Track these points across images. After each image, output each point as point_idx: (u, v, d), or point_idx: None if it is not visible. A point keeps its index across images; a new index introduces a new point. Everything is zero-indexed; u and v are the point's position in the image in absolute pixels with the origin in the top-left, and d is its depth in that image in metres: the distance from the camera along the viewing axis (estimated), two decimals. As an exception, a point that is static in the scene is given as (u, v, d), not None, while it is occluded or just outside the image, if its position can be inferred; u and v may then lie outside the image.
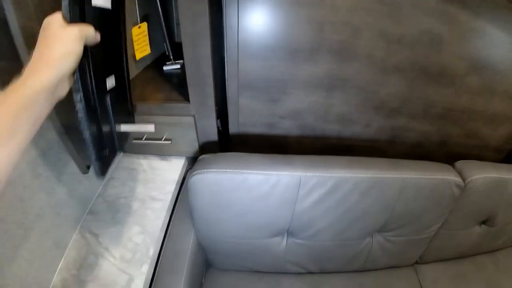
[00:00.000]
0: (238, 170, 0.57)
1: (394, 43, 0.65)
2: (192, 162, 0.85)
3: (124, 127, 0.58)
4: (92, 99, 0.44)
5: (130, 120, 0.65)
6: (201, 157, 0.65)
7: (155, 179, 0.77)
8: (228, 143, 0.81)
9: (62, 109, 0.41)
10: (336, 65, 0.67)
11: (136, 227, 0.67)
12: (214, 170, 0.58)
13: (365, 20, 0.62)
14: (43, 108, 0.31)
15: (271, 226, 0.65)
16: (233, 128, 0.78)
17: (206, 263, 0.78)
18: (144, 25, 0.79)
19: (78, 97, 0.39)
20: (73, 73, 0.37)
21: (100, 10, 0.44)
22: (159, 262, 0.64)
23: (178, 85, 0.80)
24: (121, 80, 0.56)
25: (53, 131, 0.55)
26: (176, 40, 0.91)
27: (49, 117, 0.41)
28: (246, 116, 0.76)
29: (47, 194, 0.57)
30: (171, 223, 0.71)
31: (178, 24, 0.89)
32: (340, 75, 0.69)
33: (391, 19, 0.62)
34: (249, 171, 0.57)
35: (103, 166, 0.51)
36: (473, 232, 0.80)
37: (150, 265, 0.61)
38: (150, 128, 0.60)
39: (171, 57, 0.89)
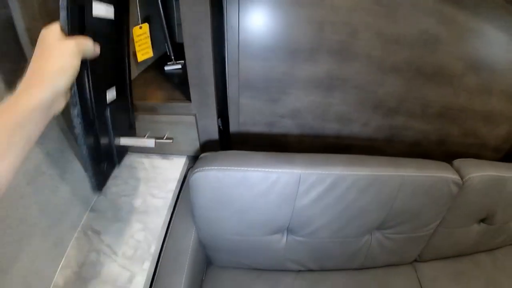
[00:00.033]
0: (239, 168, 0.58)
1: (392, 43, 0.66)
2: (193, 161, 0.86)
3: (124, 141, 0.55)
4: (90, 113, 0.42)
5: (131, 132, 0.61)
6: (202, 155, 0.66)
7: (157, 177, 0.78)
8: (229, 142, 0.82)
9: (66, 108, 0.42)
10: (335, 65, 0.68)
11: (137, 224, 0.68)
12: (215, 167, 0.58)
13: (363, 21, 0.63)
14: (38, 125, 0.30)
15: (271, 223, 0.65)
16: (233, 127, 0.79)
17: (207, 261, 0.79)
18: (146, 26, 0.80)
19: (75, 111, 0.38)
20: (70, 88, 0.36)
21: (102, 21, 0.42)
22: (160, 259, 0.64)
23: (179, 85, 0.81)
24: (123, 92, 0.54)
25: (56, 128, 0.56)
26: (177, 40, 0.92)
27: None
28: (247, 115, 0.77)
29: (49, 191, 0.58)
30: (172, 221, 0.72)
31: (179, 24, 0.90)
32: (339, 75, 0.70)
33: (389, 20, 0.63)
34: (249, 169, 0.58)
35: (101, 180, 0.49)
36: (472, 230, 0.80)
37: (152, 262, 0.62)
38: (150, 143, 0.58)
39: (172, 57, 0.90)
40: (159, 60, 0.98)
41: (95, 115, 0.43)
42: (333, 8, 0.61)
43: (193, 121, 0.75)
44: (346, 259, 0.75)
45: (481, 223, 0.81)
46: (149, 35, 0.82)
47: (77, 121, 0.39)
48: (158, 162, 0.83)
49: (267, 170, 0.58)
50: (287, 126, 0.79)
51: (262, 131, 0.80)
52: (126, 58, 0.54)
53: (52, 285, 0.58)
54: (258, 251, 0.71)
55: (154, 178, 0.78)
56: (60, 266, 0.61)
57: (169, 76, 0.89)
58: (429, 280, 0.80)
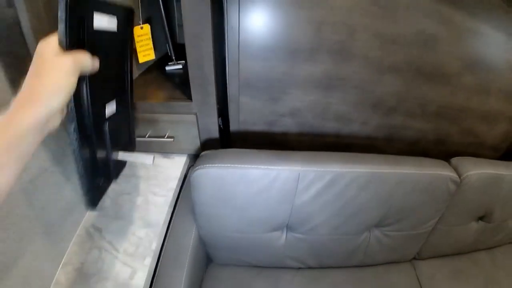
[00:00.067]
0: (239, 165, 0.59)
1: (390, 44, 0.67)
2: (194, 159, 0.87)
3: (122, 155, 0.52)
4: (87, 129, 0.40)
5: (131, 146, 0.59)
6: (203, 153, 0.66)
7: (158, 176, 0.79)
8: (229, 140, 0.83)
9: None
10: (335, 65, 0.69)
11: (139, 222, 0.68)
12: (216, 165, 0.59)
13: (362, 21, 0.64)
14: (32, 143, 0.30)
15: (271, 220, 0.66)
16: (233, 126, 0.80)
17: (207, 259, 0.79)
18: (147, 27, 0.81)
19: (72, 128, 0.36)
20: (67, 104, 0.34)
21: (104, 33, 0.39)
22: (161, 256, 0.65)
23: (180, 85, 0.82)
24: (123, 104, 0.51)
25: (60, 125, 0.57)
26: (178, 41, 0.94)
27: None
28: (247, 114, 0.78)
29: (52, 188, 0.59)
30: (173, 219, 0.72)
31: (179, 25, 0.92)
32: (338, 75, 0.71)
33: (387, 20, 0.64)
34: (249, 166, 0.59)
35: (96, 196, 0.46)
36: (471, 228, 0.81)
37: (153, 258, 0.63)
38: (148, 160, 0.55)
39: (173, 57, 0.91)
40: (160, 61, 0.99)
41: (93, 130, 0.41)
42: (332, 9, 0.62)
43: (194, 120, 0.76)
44: (345, 256, 0.76)
45: (480, 221, 0.81)
46: (150, 36, 0.83)
47: (73, 137, 0.37)
48: (159, 160, 0.84)
49: (266, 167, 0.59)
50: (287, 125, 0.80)
51: (262, 130, 0.81)
52: (128, 70, 0.51)
53: (53, 281, 0.59)
54: (258, 248, 0.72)
55: (155, 176, 0.79)
56: (62, 263, 0.62)
57: (170, 76, 0.90)
58: (428, 278, 0.81)
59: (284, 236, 0.70)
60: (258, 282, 0.75)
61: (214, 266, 0.79)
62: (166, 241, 0.68)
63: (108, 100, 0.45)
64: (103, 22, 0.38)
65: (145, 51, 0.83)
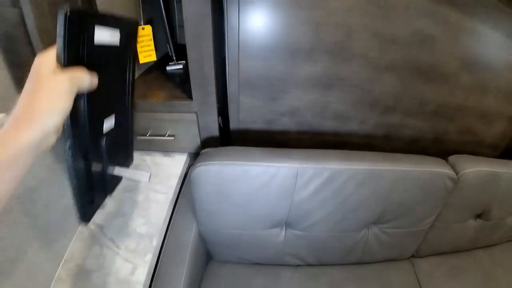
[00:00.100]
0: (239, 162, 0.60)
1: (388, 43, 0.68)
2: (194, 158, 0.87)
3: (118, 171, 0.50)
4: (84, 146, 0.38)
5: (128, 160, 0.56)
6: (203, 150, 0.68)
7: (159, 174, 0.80)
8: (229, 139, 0.84)
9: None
10: (333, 64, 0.70)
11: (140, 219, 0.69)
12: (216, 162, 0.60)
13: (360, 22, 0.65)
14: (26, 162, 0.29)
15: (270, 217, 0.67)
16: (233, 125, 0.81)
17: (207, 256, 0.80)
18: (149, 28, 0.82)
19: (67, 145, 0.34)
20: (63, 123, 0.33)
21: (105, 48, 0.37)
22: (162, 252, 0.66)
23: (181, 84, 0.83)
24: (123, 119, 0.49)
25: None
26: (178, 41, 0.95)
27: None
28: (246, 113, 0.79)
29: (55, 185, 0.60)
30: (173, 216, 0.73)
31: (180, 26, 0.93)
32: (337, 74, 0.72)
33: (385, 20, 0.65)
34: (249, 163, 0.60)
35: (89, 211, 0.45)
36: (469, 226, 0.81)
37: (154, 254, 0.63)
38: (145, 177, 0.53)
39: (174, 58, 0.93)
40: (161, 61, 1.01)
41: (89, 147, 0.39)
42: (331, 10, 0.63)
43: (194, 119, 0.77)
44: (344, 253, 0.76)
45: (478, 219, 0.82)
46: (152, 37, 0.84)
47: (68, 154, 0.35)
48: (160, 159, 0.85)
49: (266, 164, 0.60)
50: (286, 124, 0.81)
51: (262, 129, 0.82)
52: (130, 82, 0.49)
53: (55, 277, 0.60)
54: (257, 245, 0.72)
55: (156, 174, 0.80)
56: (64, 259, 0.62)
57: (171, 76, 0.91)
58: (427, 276, 0.81)
59: (283, 233, 0.71)
60: (257, 279, 0.75)
61: (214, 263, 0.79)
62: (166, 238, 0.68)
63: (107, 115, 0.43)
64: (105, 36, 0.36)
65: (146, 52, 0.85)
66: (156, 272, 0.63)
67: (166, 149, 0.85)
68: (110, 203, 0.73)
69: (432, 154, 0.78)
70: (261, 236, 0.70)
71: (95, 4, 0.67)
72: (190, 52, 0.66)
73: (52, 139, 0.32)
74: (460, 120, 0.82)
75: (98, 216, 0.70)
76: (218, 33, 0.66)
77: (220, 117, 0.80)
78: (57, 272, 0.61)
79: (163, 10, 0.82)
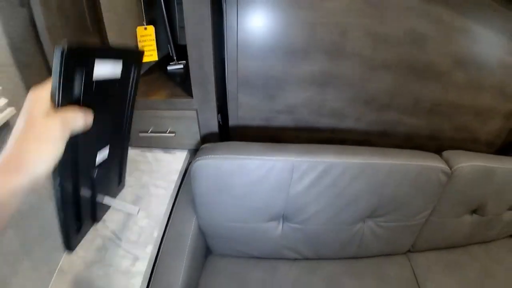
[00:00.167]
0: (237, 156, 0.62)
1: (382, 42, 0.70)
2: (194, 154, 0.90)
3: (107, 200, 0.48)
4: (74, 180, 0.36)
5: (118, 189, 0.54)
6: (203, 145, 0.70)
7: (160, 170, 0.82)
8: (228, 136, 0.86)
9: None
10: (329, 63, 0.72)
11: (141, 212, 0.71)
12: (215, 156, 0.62)
13: (354, 22, 0.67)
14: (14, 204, 0.28)
15: (268, 210, 0.69)
16: (232, 122, 0.83)
17: (207, 250, 0.81)
18: (151, 29, 0.85)
19: (57, 183, 0.32)
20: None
21: (104, 82, 0.34)
22: (162, 245, 0.68)
23: (181, 83, 0.86)
24: (118, 147, 0.46)
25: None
26: (179, 42, 0.98)
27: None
28: (245, 111, 0.81)
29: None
30: (173, 210, 0.75)
31: (181, 27, 0.96)
32: (333, 73, 0.74)
33: (378, 20, 0.67)
34: (247, 157, 0.62)
35: (75, 240, 0.42)
36: (465, 221, 0.82)
37: (154, 246, 0.65)
38: (134, 210, 0.53)
39: (175, 58, 0.95)
40: (162, 61, 1.03)
41: (80, 180, 0.37)
42: (326, 10, 0.65)
43: (194, 116, 0.79)
44: (341, 247, 0.78)
45: (473, 214, 0.83)
46: (154, 38, 0.87)
47: (57, 189, 0.33)
48: (161, 155, 0.87)
49: (262, 158, 0.62)
50: (284, 121, 0.83)
51: (260, 126, 0.84)
52: (129, 111, 0.45)
53: (57, 269, 0.62)
54: (255, 238, 0.74)
55: (157, 170, 0.82)
56: (66, 251, 0.64)
57: (172, 75, 0.94)
58: (423, 270, 0.82)
59: (280, 226, 0.72)
60: (255, 272, 0.77)
61: (213, 257, 0.81)
62: (166, 230, 0.70)
63: (101, 148, 0.40)
64: (105, 70, 0.33)
65: (148, 52, 0.88)
66: (157, 263, 0.65)
67: (167, 146, 0.87)
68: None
69: (428, 151, 0.79)
70: (259, 229, 0.72)
71: (99, 7, 0.70)
72: (191, 52, 0.68)
73: (42, 181, 0.30)
74: (455, 117, 0.83)
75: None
76: (217, 33, 0.69)
77: (219, 115, 0.83)
78: (59, 264, 0.62)
79: (164, 12, 0.85)
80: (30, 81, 0.45)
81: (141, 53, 0.44)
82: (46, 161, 0.28)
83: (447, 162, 0.72)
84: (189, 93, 0.76)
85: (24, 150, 0.27)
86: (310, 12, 0.66)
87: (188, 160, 0.89)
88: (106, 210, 0.52)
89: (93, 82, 0.32)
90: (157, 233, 0.67)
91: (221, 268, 0.78)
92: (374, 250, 0.81)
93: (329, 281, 0.76)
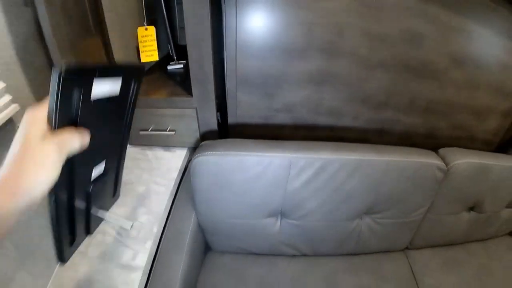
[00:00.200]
0: (235, 152, 0.63)
1: (378, 42, 0.71)
2: (194, 152, 0.91)
3: (101, 214, 0.48)
4: (69, 196, 0.36)
5: (113, 200, 0.54)
6: (202, 143, 0.71)
7: (160, 167, 0.83)
8: (227, 134, 0.88)
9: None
10: (326, 62, 0.74)
11: (141, 208, 0.72)
12: (214, 152, 0.64)
13: (351, 21, 0.68)
14: (7, 225, 0.28)
15: (266, 206, 0.70)
16: (231, 120, 0.84)
17: (206, 247, 0.82)
18: (152, 29, 0.87)
19: (52, 199, 0.33)
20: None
21: (102, 101, 0.33)
22: (161, 240, 0.69)
23: (182, 82, 0.87)
24: (114, 160, 0.46)
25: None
26: (179, 42, 0.99)
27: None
28: (244, 109, 0.82)
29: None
30: (173, 207, 0.76)
31: (181, 27, 0.98)
32: (330, 72, 0.75)
33: (374, 20, 0.68)
34: (245, 153, 0.63)
35: (68, 252, 0.42)
36: (462, 218, 0.83)
37: (154, 241, 0.66)
38: (127, 225, 0.53)
39: (175, 57, 0.97)
40: (162, 61, 1.05)
41: (75, 197, 0.37)
42: (323, 10, 0.67)
43: (194, 114, 0.80)
44: (338, 243, 0.78)
45: (471, 212, 0.83)
46: (155, 38, 0.89)
47: (52, 206, 0.33)
48: (161, 153, 0.88)
49: (260, 154, 0.63)
50: (282, 119, 0.84)
51: (259, 124, 0.85)
52: (127, 126, 0.44)
53: (58, 263, 0.62)
54: (254, 234, 0.75)
55: (157, 167, 0.83)
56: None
57: (172, 75, 0.95)
58: (421, 267, 0.83)
59: (278, 222, 0.73)
60: (254, 269, 0.78)
61: (212, 254, 0.82)
62: (166, 226, 0.71)
63: (97, 163, 0.40)
64: (104, 89, 0.33)
65: (149, 52, 0.89)
66: (156, 259, 0.66)
67: (167, 144, 0.89)
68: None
69: (425, 149, 0.79)
70: (257, 226, 0.73)
71: (101, 8, 0.71)
72: (191, 52, 0.70)
73: (38, 202, 0.30)
74: (452, 116, 0.84)
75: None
76: (217, 33, 0.70)
77: (218, 113, 0.84)
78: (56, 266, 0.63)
79: (164, 12, 0.87)
80: (33, 79, 0.46)
81: (141, 69, 0.43)
82: (43, 184, 0.28)
83: (443, 159, 0.73)
84: (189, 92, 0.77)
85: (21, 173, 0.27)
86: (308, 12, 0.67)
87: (188, 158, 0.90)
88: (100, 222, 0.52)
89: (91, 101, 0.31)
90: (156, 229, 0.68)
91: (220, 264, 0.79)
92: (372, 247, 0.81)
93: (327, 278, 0.77)
